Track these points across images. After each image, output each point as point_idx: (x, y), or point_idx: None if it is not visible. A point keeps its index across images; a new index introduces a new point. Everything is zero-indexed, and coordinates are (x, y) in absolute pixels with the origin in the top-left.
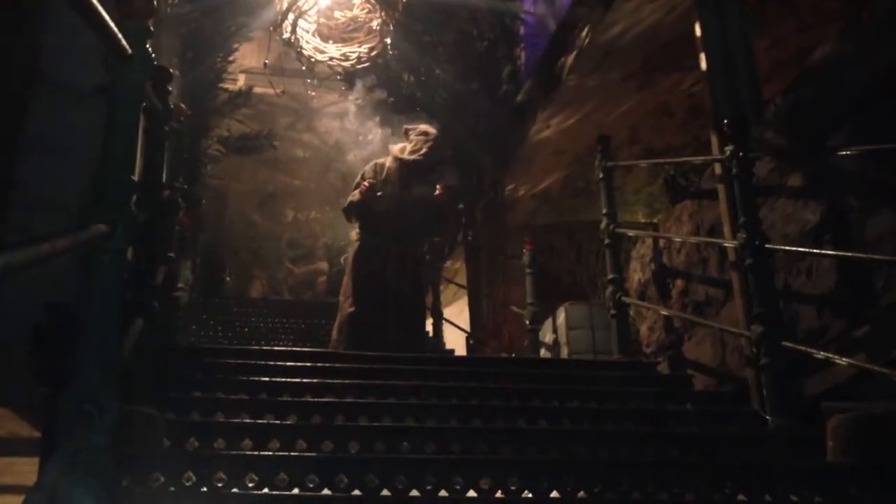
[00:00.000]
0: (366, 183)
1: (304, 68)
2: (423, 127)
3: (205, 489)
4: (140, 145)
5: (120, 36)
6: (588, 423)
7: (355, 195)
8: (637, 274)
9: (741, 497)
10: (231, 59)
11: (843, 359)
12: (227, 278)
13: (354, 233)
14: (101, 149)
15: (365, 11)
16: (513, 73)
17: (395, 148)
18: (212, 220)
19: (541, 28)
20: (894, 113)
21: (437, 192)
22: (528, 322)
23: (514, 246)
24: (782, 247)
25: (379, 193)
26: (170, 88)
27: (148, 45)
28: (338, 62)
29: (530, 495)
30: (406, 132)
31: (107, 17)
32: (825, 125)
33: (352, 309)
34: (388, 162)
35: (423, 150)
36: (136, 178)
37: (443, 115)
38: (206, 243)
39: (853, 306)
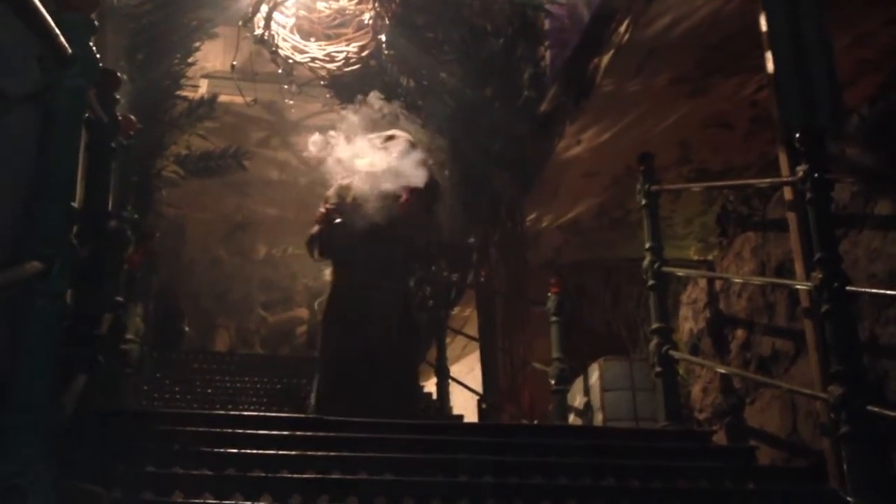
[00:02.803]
0: (322, 209)
1: (280, 72)
2: (389, 132)
3: None
4: (81, 165)
5: (57, 32)
6: None
7: (314, 227)
8: (688, 323)
9: None
10: (191, 60)
11: None
12: (187, 328)
13: (328, 273)
14: (34, 169)
15: (354, 2)
16: (535, 77)
17: (361, 163)
18: (168, 258)
19: (570, 21)
20: None
21: (403, 199)
22: (553, 382)
23: (537, 289)
24: (867, 289)
25: (338, 220)
26: (117, 96)
27: (91, 44)
28: (321, 64)
29: None
30: (370, 142)
31: (41, 8)
32: None
33: (329, 370)
34: (354, 182)
35: (394, 158)
36: (76, 205)
37: (449, 129)
38: (160, 285)
39: None
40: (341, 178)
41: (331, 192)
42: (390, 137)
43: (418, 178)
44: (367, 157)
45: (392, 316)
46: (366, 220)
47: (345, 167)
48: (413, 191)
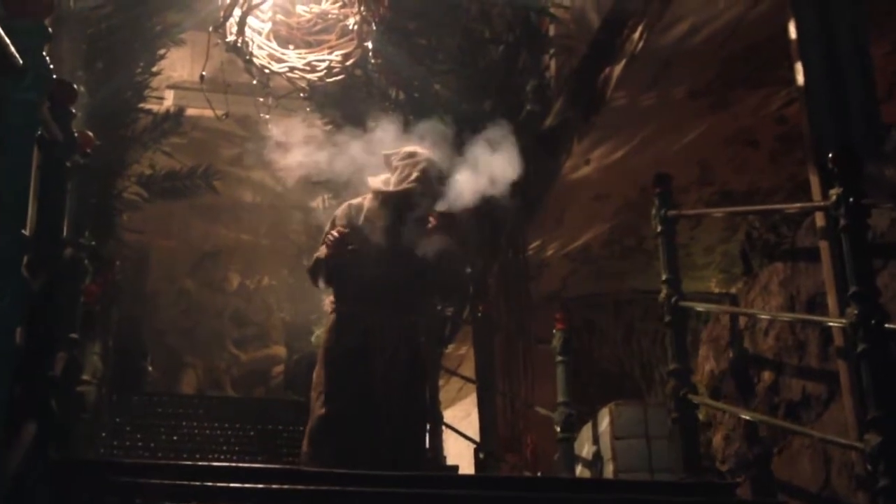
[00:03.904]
0: (334, 232)
1: (255, 83)
2: (408, 149)
3: None
4: (33, 187)
5: (7, 41)
6: None
7: (321, 251)
8: (709, 363)
9: None
10: (156, 70)
11: None
12: (150, 367)
13: (328, 302)
14: None
15: (337, 6)
16: (539, 89)
17: (376, 181)
18: (129, 289)
19: (578, 28)
20: None
21: (430, 224)
22: (559, 429)
23: (541, 325)
24: None
25: (351, 246)
26: (74, 110)
27: (45, 53)
28: (301, 74)
29: None
30: (387, 159)
31: None
32: None
33: (324, 409)
34: (366, 201)
35: (415, 176)
36: (27, 232)
37: (443, 146)
38: (121, 320)
39: None
40: (351, 197)
41: (339, 211)
42: (411, 154)
43: (449, 201)
44: (385, 175)
45: (401, 352)
46: (383, 245)
47: (356, 186)
48: (442, 216)
